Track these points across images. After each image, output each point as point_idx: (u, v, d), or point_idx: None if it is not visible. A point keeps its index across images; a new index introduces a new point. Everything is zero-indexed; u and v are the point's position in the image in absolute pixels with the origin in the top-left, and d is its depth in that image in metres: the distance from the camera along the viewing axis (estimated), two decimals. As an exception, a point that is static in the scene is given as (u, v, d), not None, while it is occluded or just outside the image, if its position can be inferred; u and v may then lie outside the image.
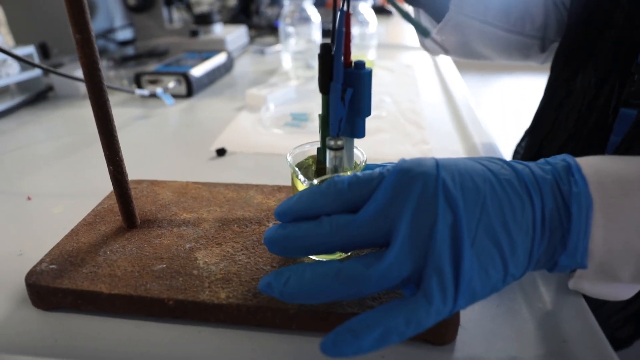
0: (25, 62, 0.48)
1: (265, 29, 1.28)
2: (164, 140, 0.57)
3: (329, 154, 0.27)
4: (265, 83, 0.72)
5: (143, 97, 0.71)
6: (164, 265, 0.31)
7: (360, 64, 0.26)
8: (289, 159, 0.29)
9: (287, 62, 0.85)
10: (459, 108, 0.64)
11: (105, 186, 0.41)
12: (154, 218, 0.36)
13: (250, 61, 0.96)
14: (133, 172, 0.41)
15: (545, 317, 0.28)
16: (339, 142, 0.26)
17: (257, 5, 1.32)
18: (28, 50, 0.75)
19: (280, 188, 0.40)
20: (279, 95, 0.67)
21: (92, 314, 0.29)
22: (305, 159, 0.31)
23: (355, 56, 0.81)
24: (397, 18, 1.51)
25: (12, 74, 0.73)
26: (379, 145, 0.53)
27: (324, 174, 0.28)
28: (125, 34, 1.18)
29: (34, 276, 0.30)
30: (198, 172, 0.48)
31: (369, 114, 0.27)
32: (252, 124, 0.60)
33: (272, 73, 0.86)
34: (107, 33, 1.10)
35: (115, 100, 0.73)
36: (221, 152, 0.52)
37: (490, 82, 3.69)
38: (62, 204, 0.43)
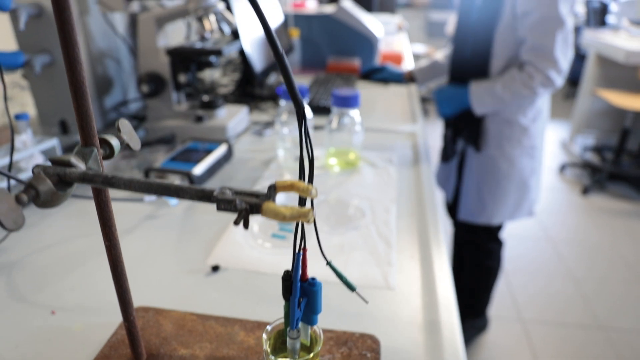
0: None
1: (266, 99, 1.41)
2: (166, 250, 0.67)
3: (289, 339, 0.37)
4: (259, 184, 0.82)
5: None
6: (163, 406, 0.40)
7: (313, 281, 0.36)
8: (265, 337, 0.39)
9: (281, 154, 0.96)
10: (427, 221, 0.74)
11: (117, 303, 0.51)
12: (157, 352, 0.46)
13: (249, 145, 1.07)
14: (138, 288, 0.51)
15: None
16: (296, 333, 0.37)
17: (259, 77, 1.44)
18: (51, 144, 0.87)
19: (259, 325, 0.50)
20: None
21: None
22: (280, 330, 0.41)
23: (341, 152, 0.92)
24: (394, 89, 1.63)
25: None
26: (350, 265, 0.63)
27: (286, 347, 0.38)
28: (136, 105, 1.30)
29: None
30: (196, 290, 0.59)
31: (320, 311, 0.37)
32: (244, 235, 0.70)
33: (268, 163, 0.97)
34: (120, 105, 1.22)
35: (125, 194, 0.83)
36: (215, 268, 0.62)
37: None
38: (82, 320, 0.53)
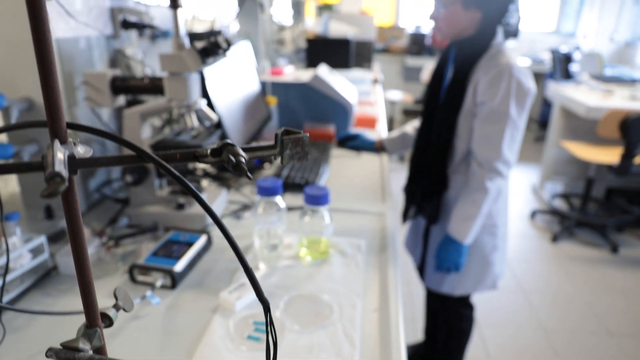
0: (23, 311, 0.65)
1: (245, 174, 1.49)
2: (150, 355, 0.74)
3: None
4: (236, 281, 0.90)
5: (135, 288, 0.89)
6: None
7: None
8: None
9: (257, 243, 1.04)
10: (390, 318, 0.83)
11: None
12: None
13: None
14: None
15: None
16: None
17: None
18: (39, 241, 0.93)
19: None
20: (247, 298, 0.85)
21: None
22: None
23: (313, 241, 1.00)
24: (366, 158, 1.74)
25: (25, 263, 0.90)
26: (318, 369, 0.71)
27: None
28: (119, 184, 1.37)
29: None
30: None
31: None
32: (222, 337, 0.77)
33: (245, 252, 1.04)
34: (103, 186, 1.29)
35: (109, 290, 0.90)
36: (195, 376, 0.69)
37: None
38: None
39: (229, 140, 0.37)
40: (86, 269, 0.39)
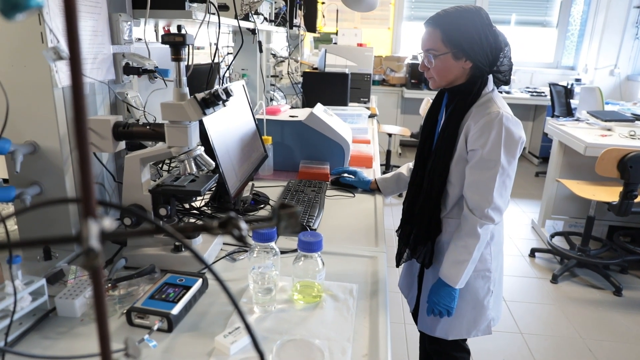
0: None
1: (240, 212, 1.58)
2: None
3: None
4: (231, 325, 0.97)
5: (132, 331, 0.96)
6: None
7: None
8: None
9: (252, 286, 1.11)
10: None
11: None
12: None
13: (223, 273, 1.22)
14: None
15: None
16: None
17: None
18: (40, 283, 1.00)
19: None
20: (241, 342, 0.92)
21: None
22: None
23: (306, 285, 1.08)
24: (361, 198, 1.83)
25: (25, 305, 0.97)
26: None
27: None
28: (117, 222, 1.45)
29: None
30: None
31: None
32: (216, 382, 0.84)
33: (240, 296, 1.12)
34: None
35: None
36: (191, 420, 0.75)
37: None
38: None
39: (232, 215, 0.46)
40: (107, 346, 0.47)
